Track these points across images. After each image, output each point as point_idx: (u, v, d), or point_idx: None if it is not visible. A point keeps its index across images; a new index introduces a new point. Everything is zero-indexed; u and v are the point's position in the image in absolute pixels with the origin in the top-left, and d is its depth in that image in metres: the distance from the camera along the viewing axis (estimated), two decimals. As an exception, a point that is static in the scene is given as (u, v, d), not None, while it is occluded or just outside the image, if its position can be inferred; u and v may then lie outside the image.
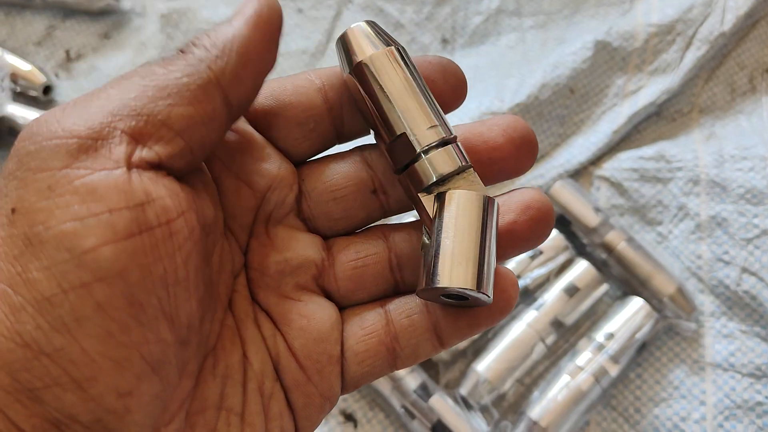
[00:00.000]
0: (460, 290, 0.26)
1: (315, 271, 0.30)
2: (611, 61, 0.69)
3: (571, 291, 0.58)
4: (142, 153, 0.23)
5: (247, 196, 0.29)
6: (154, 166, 0.24)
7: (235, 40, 0.25)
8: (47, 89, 0.74)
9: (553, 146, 0.67)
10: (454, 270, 0.26)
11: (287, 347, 0.29)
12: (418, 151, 0.28)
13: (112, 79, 0.25)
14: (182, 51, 0.25)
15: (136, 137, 0.23)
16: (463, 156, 0.29)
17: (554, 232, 0.61)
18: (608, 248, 0.60)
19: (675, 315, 0.58)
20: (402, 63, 0.29)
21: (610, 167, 0.65)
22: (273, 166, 0.29)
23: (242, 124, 0.30)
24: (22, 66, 0.73)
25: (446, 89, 0.31)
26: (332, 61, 0.75)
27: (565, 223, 0.62)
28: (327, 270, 0.31)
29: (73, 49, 0.77)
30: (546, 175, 0.65)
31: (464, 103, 0.68)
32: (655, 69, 0.68)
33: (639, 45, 0.69)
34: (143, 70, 0.25)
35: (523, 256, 0.60)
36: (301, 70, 0.73)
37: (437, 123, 0.28)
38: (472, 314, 0.29)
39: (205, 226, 0.26)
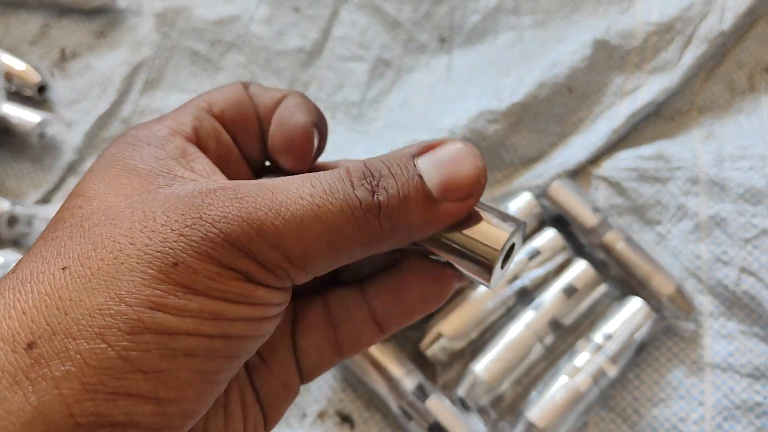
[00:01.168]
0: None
1: None
2: (610, 59, 0.68)
3: (570, 291, 0.58)
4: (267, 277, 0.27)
5: None
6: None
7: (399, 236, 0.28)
8: (42, 88, 0.73)
9: (552, 145, 0.67)
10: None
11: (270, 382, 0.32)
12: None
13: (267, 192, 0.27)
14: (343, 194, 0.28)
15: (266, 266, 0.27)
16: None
17: (552, 232, 0.60)
18: (607, 248, 0.60)
19: (674, 315, 0.57)
20: None
21: (608, 167, 0.64)
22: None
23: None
24: (17, 65, 0.73)
25: None
26: (328, 60, 0.74)
27: (563, 223, 0.62)
28: None
29: (68, 47, 0.77)
30: (544, 174, 0.65)
31: (463, 102, 0.68)
32: (654, 68, 0.68)
33: (638, 44, 0.68)
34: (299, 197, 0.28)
35: (521, 256, 0.59)
36: (297, 68, 0.74)
37: None
38: (407, 301, 0.32)
39: None
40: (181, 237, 0.25)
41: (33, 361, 0.22)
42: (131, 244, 0.25)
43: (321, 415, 0.57)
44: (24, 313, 0.23)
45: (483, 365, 0.55)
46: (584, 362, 0.55)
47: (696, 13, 0.69)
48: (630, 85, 0.68)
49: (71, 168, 0.70)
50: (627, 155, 0.64)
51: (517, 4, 0.75)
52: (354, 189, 0.26)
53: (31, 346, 0.23)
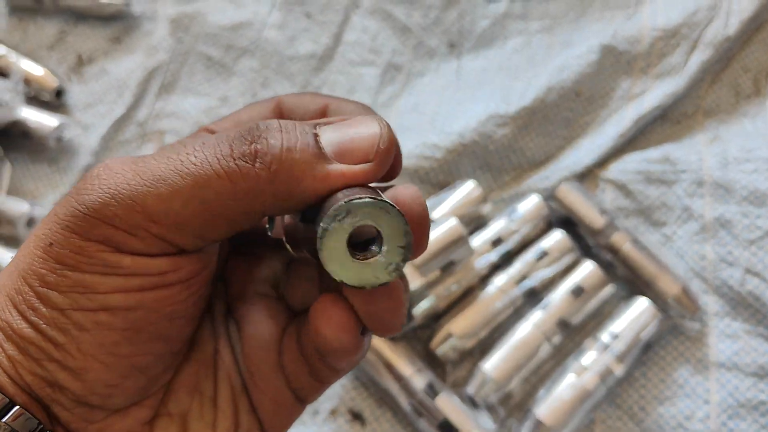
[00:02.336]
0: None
1: (273, 281, 0.33)
2: (617, 64, 0.70)
3: (577, 292, 0.59)
4: (167, 246, 0.27)
5: None
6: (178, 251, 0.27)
7: (307, 191, 0.26)
8: (60, 93, 0.75)
9: (559, 149, 0.68)
10: None
11: (242, 349, 0.31)
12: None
13: (161, 160, 0.26)
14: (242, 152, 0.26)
15: (164, 238, 0.27)
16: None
17: (560, 234, 0.61)
18: (613, 249, 0.61)
19: (679, 315, 0.58)
20: None
21: (615, 169, 0.65)
22: None
23: None
24: (35, 70, 0.74)
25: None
26: (339, 65, 0.76)
27: (570, 224, 0.63)
28: (286, 279, 0.33)
29: (84, 53, 0.78)
30: (552, 177, 0.66)
31: (472, 106, 0.69)
32: (660, 72, 0.69)
33: (644, 48, 0.70)
34: (181, 160, 0.27)
35: (528, 258, 0.61)
36: (309, 73, 0.75)
37: None
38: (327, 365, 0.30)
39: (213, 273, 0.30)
40: (55, 217, 0.26)
41: None
42: (34, 233, 0.27)
43: (333, 413, 0.58)
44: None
45: (492, 364, 0.56)
46: (591, 361, 0.56)
47: (701, 19, 0.70)
48: (636, 90, 0.69)
49: (88, 170, 0.72)
50: (634, 158, 0.66)
51: (526, 9, 0.76)
52: (229, 142, 0.25)
53: None
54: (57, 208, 0.27)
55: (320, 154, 0.26)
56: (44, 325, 0.25)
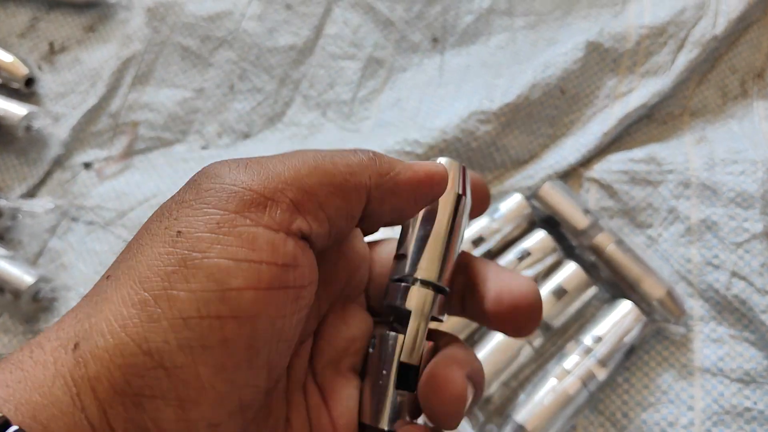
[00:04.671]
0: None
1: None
2: (602, 62, 0.68)
3: (559, 293, 0.57)
4: (300, 223, 0.26)
5: (344, 270, 0.31)
6: (305, 237, 0.26)
7: (401, 172, 0.29)
8: (30, 81, 0.72)
9: (543, 147, 0.67)
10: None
11: (330, 422, 0.29)
12: (410, 273, 0.30)
13: (294, 152, 0.28)
14: (354, 149, 0.29)
15: (298, 208, 0.26)
16: (438, 309, 0.30)
17: (542, 234, 0.60)
18: (597, 251, 0.59)
19: (664, 319, 0.57)
20: (458, 213, 0.31)
21: (600, 169, 0.64)
22: (362, 244, 0.32)
23: None
24: (4, 57, 0.72)
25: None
26: (320, 58, 0.74)
27: (553, 224, 0.61)
28: None
29: (57, 41, 0.76)
30: (535, 176, 0.64)
31: (454, 102, 0.68)
32: (647, 71, 0.68)
33: (631, 47, 0.68)
34: (318, 152, 0.28)
35: (510, 257, 0.59)
36: (288, 66, 0.73)
37: (440, 270, 0.30)
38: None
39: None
40: (181, 203, 0.25)
41: (75, 362, 0.23)
42: (147, 232, 0.25)
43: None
44: (79, 320, 0.24)
45: (471, 366, 0.55)
46: (573, 365, 0.54)
47: (689, 18, 0.68)
48: (622, 88, 0.67)
49: (57, 162, 0.69)
50: (618, 158, 0.64)
51: (511, 5, 0.75)
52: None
53: (76, 347, 0.23)
54: (175, 197, 0.26)
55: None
56: (161, 342, 0.23)
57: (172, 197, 0.26)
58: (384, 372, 0.29)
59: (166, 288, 0.23)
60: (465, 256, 0.32)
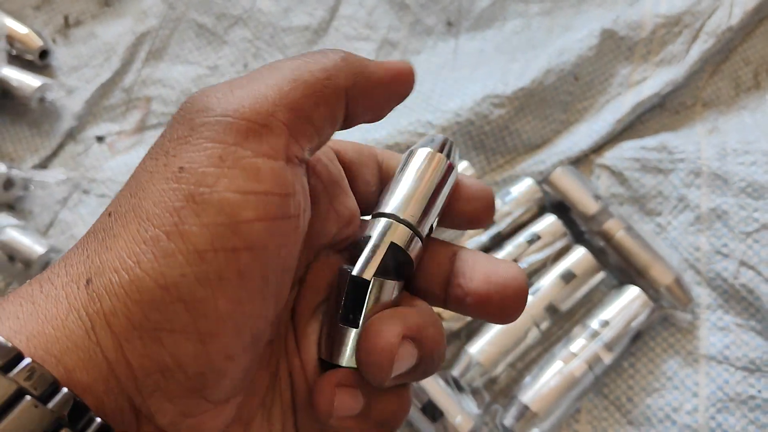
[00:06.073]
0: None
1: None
2: (617, 50, 0.68)
3: (568, 277, 0.57)
4: (295, 149, 0.26)
5: (332, 223, 0.31)
6: (301, 162, 0.27)
7: (374, 71, 0.29)
8: (44, 54, 0.73)
9: (555, 132, 0.67)
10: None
11: (300, 365, 0.30)
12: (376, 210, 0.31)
13: (269, 67, 0.27)
14: (323, 51, 0.29)
15: (292, 131, 0.26)
16: (403, 242, 0.30)
17: (552, 218, 0.60)
18: (606, 236, 0.59)
19: (671, 305, 0.57)
20: (444, 178, 0.32)
21: (611, 156, 0.64)
22: (353, 203, 0.32)
23: (334, 160, 0.32)
24: (19, 29, 0.72)
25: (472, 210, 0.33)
26: (334, 39, 0.74)
27: (564, 209, 0.61)
28: None
29: (72, 14, 0.76)
30: (547, 161, 0.64)
31: (468, 86, 0.68)
32: (661, 60, 0.68)
33: (645, 35, 0.68)
34: (291, 62, 0.27)
35: (520, 241, 0.59)
36: (303, 46, 0.73)
37: (408, 207, 0.30)
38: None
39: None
40: (177, 140, 0.25)
41: (89, 297, 0.23)
42: (145, 170, 0.25)
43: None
44: (87, 256, 0.24)
45: (478, 347, 0.55)
46: (580, 348, 0.55)
47: (705, 8, 0.68)
48: (636, 76, 0.67)
49: (70, 135, 0.70)
50: (630, 145, 0.64)
51: (526, -9, 0.75)
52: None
53: (88, 282, 0.23)
54: (167, 134, 0.26)
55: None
56: (178, 276, 0.23)
57: (162, 135, 0.26)
58: (337, 305, 0.29)
59: (177, 224, 0.23)
60: (452, 247, 0.32)
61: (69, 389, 0.22)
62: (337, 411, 0.27)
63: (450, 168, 0.32)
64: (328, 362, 0.29)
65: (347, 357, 0.28)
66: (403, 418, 0.29)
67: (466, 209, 0.33)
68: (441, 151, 0.32)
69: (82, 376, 0.22)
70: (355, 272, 0.28)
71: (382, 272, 0.29)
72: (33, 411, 0.21)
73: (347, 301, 0.28)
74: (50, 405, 0.21)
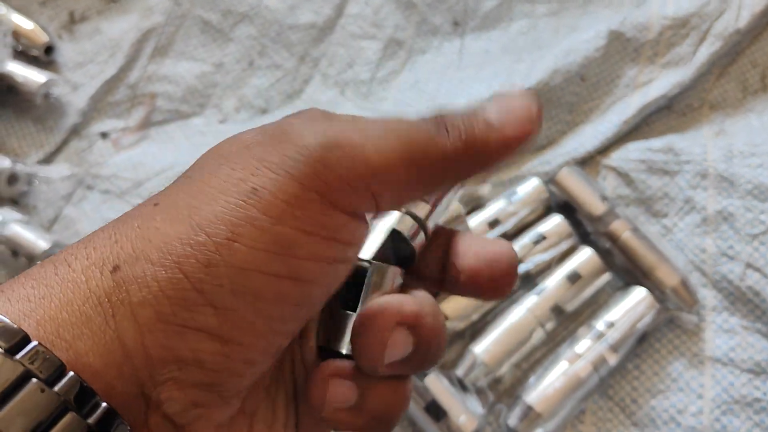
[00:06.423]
0: None
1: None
2: (624, 51, 0.68)
3: (573, 278, 0.57)
4: (368, 207, 0.26)
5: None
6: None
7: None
8: (49, 49, 0.73)
9: (561, 133, 0.67)
10: None
11: (300, 355, 0.29)
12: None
13: (381, 122, 0.27)
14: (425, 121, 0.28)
15: (377, 199, 0.26)
16: (410, 244, 0.30)
17: (559, 218, 0.60)
18: (612, 237, 0.59)
19: (677, 307, 0.57)
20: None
21: (617, 157, 0.64)
22: None
23: None
24: (25, 24, 0.72)
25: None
26: (340, 37, 0.74)
27: (570, 210, 0.61)
28: None
29: (77, 11, 0.76)
30: (553, 161, 0.64)
31: (474, 86, 0.68)
32: (668, 62, 0.68)
33: (653, 37, 0.68)
34: (399, 131, 0.27)
35: (525, 241, 0.59)
36: (308, 44, 0.73)
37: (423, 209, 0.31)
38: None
39: None
40: (262, 161, 0.24)
41: (115, 284, 0.23)
42: (215, 176, 0.25)
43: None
44: (116, 241, 0.24)
45: (483, 347, 0.55)
46: (585, 349, 0.54)
47: (712, 10, 0.68)
48: (643, 78, 0.67)
49: (75, 131, 0.70)
50: (636, 147, 0.64)
51: (533, -8, 0.75)
52: (419, 121, 0.27)
53: (115, 269, 0.23)
54: (255, 150, 0.25)
55: (490, 125, 0.27)
56: (215, 285, 0.23)
57: (247, 148, 0.25)
58: (338, 291, 0.28)
59: (230, 239, 0.23)
60: (450, 232, 0.32)
61: (75, 373, 0.22)
62: (330, 402, 0.27)
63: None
64: (327, 349, 0.29)
65: (346, 343, 0.28)
66: (399, 413, 0.29)
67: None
68: None
69: (94, 360, 0.22)
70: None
71: (383, 258, 0.29)
72: (39, 394, 0.21)
73: (348, 284, 0.28)
74: (56, 388, 0.21)
